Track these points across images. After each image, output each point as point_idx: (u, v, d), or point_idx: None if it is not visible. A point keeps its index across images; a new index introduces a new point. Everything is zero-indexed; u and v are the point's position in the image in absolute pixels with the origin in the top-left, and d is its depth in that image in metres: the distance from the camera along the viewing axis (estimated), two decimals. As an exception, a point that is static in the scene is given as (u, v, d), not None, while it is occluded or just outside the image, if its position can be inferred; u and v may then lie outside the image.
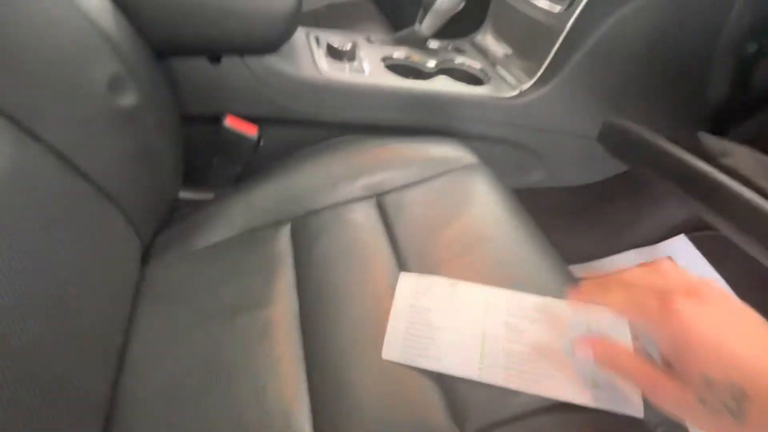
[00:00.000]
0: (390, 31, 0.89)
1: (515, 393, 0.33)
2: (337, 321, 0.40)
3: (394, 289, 0.42)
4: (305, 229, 0.50)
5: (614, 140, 0.53)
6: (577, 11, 0.58)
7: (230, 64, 0.55)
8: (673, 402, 0.23)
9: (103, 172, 0.40)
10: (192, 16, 0.50)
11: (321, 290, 0.43)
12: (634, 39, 0.58)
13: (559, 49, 0.62)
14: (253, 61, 0.56)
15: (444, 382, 0.35)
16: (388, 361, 0.36)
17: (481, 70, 0.74)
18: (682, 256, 0.84)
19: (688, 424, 0.30)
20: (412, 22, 0.74)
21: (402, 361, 0.35)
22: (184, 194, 0.57)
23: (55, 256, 0.33)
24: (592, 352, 0.28)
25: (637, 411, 0.30)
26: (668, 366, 0.24)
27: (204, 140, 0.59)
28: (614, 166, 0.76)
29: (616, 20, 0.57)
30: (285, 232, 0.51)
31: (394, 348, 0.36)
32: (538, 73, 0.66)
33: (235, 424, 0.35)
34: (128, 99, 0.42)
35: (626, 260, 0.88)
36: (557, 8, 0.61)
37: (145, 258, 0.49)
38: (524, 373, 0.33)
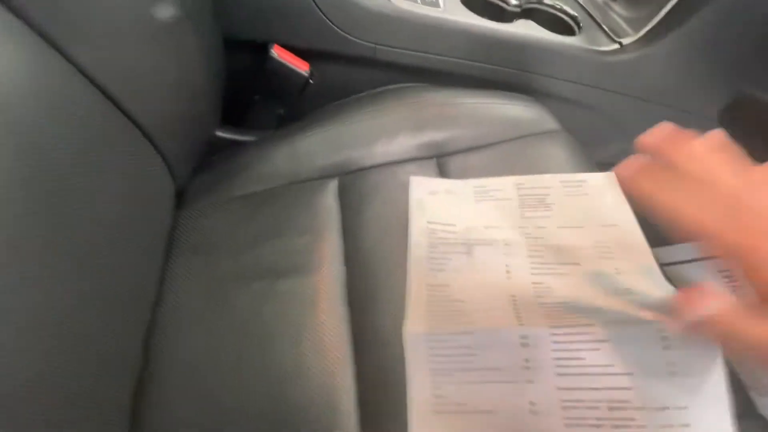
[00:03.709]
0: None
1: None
2: (387, 296, 0.36)
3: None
4: (354, 187, 0.45)
5: (749, 119, 0.43)
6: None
7: (284, -20, 0.47)
8: None
9: (132, 97, 0.35)
10: None
11: (370, 260, 0.39)
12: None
13: (684, -4, 0.50)
14: (312, -21, 0.48)
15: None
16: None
17: (573, 17, 0.62)
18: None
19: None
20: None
21: (430, 332, 0.31)
22: (222, 133, 0.51)
23: (82, 191, 0.28)
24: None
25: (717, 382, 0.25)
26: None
27: (245, 72, 0.52)
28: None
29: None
30: (332, 188, 0.46)
31: (418, 322, 0.32)
32: (648, 26, 0.55)
33: (273, 398, 0.32)
34: (166, 9, 0.35)
35: (679, 253, 0.83)
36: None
37: (180, 202, 0.45)
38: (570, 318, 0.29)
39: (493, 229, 0.39)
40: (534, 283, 0.34)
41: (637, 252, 0.35)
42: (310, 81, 0.52)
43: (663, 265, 0.87)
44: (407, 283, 0.36)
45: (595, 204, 0.39)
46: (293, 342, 0.35)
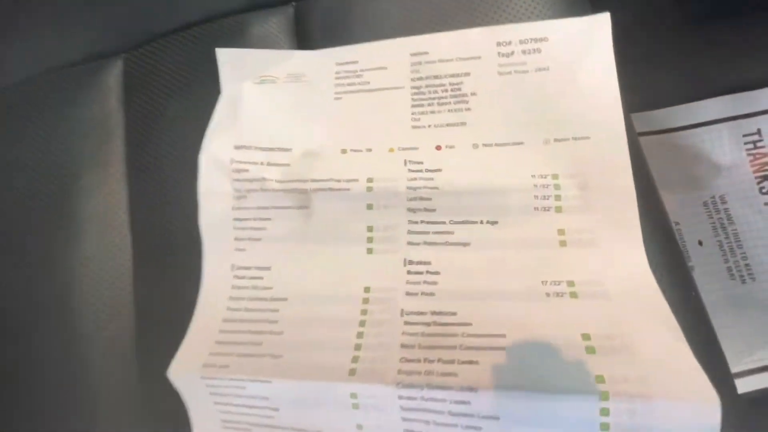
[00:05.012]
0: None
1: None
2: (184, 267, 0.22)
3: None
4: (150, 71, 0.27)
5: None
6: None
7: None
8: None
9: None
10: None
11: (166, 214, 0.23)
12: None
13: None
14: None
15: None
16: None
17: None
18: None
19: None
20: None
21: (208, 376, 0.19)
22: None
23: None
24: None
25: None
26: None
27: None
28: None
29: None
30: (112, 77, 0.27)
31: (194, 355, 0.19)
32: None
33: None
34: None
35: (715, 108, 0.65)
36: None
37: None
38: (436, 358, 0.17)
39: (356, 155, 0.21)
40: (410, 263, 0.19)
41: (613, 194, 0.19)
42: None
43: (668, 131, 0.69)
44: (202, 265, 0.21)
45: (554, 91, 0.21)
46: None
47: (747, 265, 0.62)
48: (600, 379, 0.14)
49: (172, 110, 0.26)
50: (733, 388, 0.17)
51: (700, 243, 0.63)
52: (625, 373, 0.14)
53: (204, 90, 0.26)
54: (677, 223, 0.57)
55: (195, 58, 0.26)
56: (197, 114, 0.25)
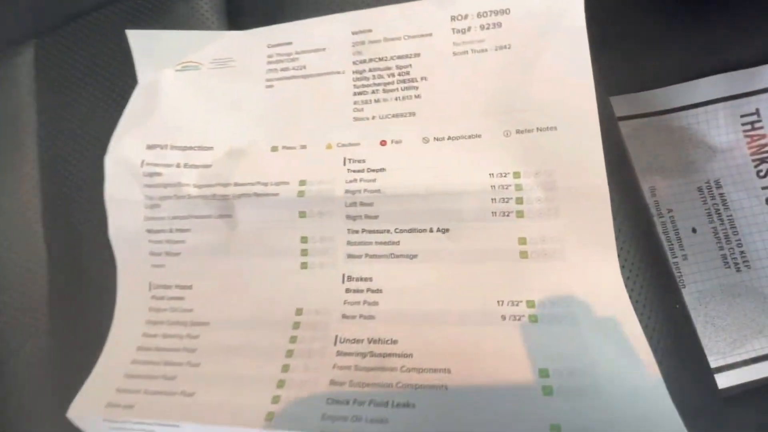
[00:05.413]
0: None
1: None
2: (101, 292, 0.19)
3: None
4: (64, 55, 0.23)
5: None
6: None
7: None
8: None
9: None
10: None
11: (89, 230, 0.21)
12: None
13: None
14: None
15: None
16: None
17: None
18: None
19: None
20: None
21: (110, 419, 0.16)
22: None
23: None
24: None
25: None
26: None
27: None
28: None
29: None
30: (23, 63, 0.24)
31: (98, 392, 0.17)
32: None
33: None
34: None
35: (711, 87, 0.62)
36: None
37: None
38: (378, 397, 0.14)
39: (288, 153, 0.19)
40: (349, 279, 0.16)
41: (583, 195, 0.16)
42: None
43: (661, 113, 0.66)
44: (117, 284, 0.19)
45: (516, 73, 0.18)
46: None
47: (742, 252, 0.59)
48: (556, 429, 0.12)
49: (90, 103, 0.23)
50: (715, 394, 0.15)
51: (694, 230, 0.61)
52: (586, 423, 0.11)
53: (126, 78, 0.23)
54: (670, 210, 0.54)
55: (115, 41, 0.23)
56: (118, 106, 0.22)
